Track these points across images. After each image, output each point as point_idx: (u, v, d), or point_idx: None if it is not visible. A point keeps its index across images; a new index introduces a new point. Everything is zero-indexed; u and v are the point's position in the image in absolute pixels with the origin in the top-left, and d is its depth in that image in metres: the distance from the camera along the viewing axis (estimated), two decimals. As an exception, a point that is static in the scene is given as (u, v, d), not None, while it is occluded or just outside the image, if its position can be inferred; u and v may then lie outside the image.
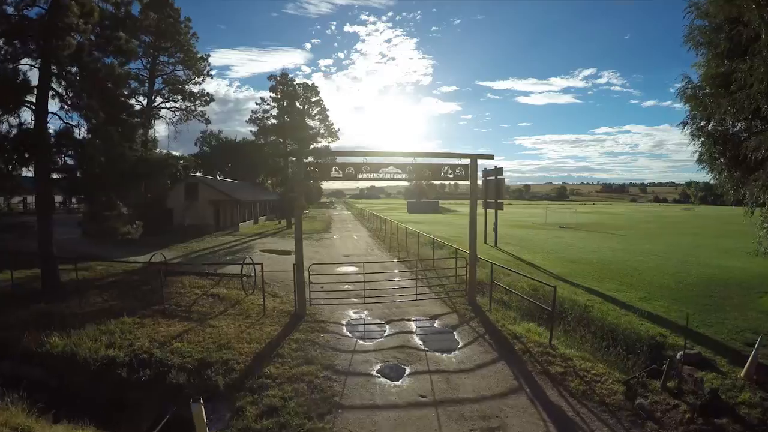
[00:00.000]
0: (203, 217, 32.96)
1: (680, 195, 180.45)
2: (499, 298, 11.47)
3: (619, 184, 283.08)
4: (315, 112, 45.77)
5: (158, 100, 28.00)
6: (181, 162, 31.94)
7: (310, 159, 10.10)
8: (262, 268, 10.52)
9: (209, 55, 27.69)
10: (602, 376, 7.14)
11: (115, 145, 12.06)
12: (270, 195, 46.75)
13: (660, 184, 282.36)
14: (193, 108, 27.61)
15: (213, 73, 28.94)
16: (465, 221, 44.54)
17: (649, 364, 8.67)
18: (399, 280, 13.15)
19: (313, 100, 45.44)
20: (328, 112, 46.21)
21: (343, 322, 9.37)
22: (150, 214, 35.14)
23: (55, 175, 13.46)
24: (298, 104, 41.49)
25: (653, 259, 18.16)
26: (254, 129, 35.73)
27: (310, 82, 45.15)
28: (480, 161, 10.35)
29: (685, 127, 17.68)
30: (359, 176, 9.21)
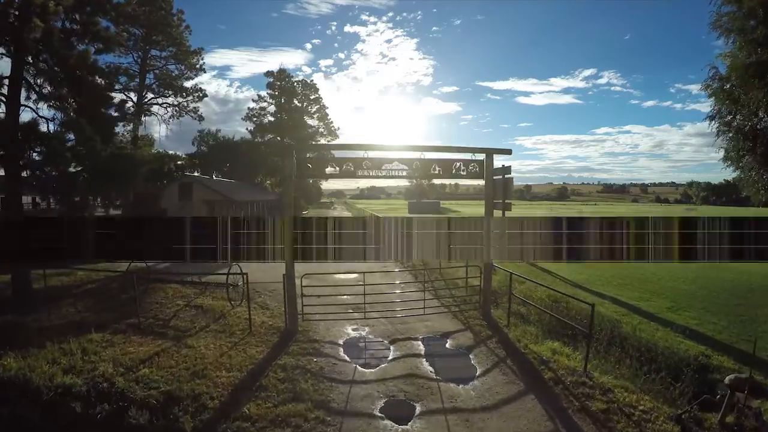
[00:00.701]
0: (197, 218, 31.78)
1: (681, 195, 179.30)
2: (515, 310, 10.23)
3: (620, 185, 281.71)
4: (314, 110, 44.61)
5: (150, 96, 26.74)
6: (178, 161, 30.69)
7: (306, 155, 8.84)
8: (247, 278, 9.26)
9: (202, 49, 26.47)
10: (651, 413, 5.90)
11: (87, 139, 10.80)
12: (269, 195, 45.50)
13: (661, 185, 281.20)
14: (185, 104, 26.35)
15: (206, 68, 27.76)
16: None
17: (696, 391, 7.47)
18: (403, 290, 11.90)
19: (312, 97, 44.29)
20: (327, 110, 45.06)
21: (341, 342, 8.10)
22: (143, 215, 33.99)
23: (26, 173, 12.26)
24: (296, 102, 40.31)
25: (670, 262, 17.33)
26: (251, 127, 34.42)
27: (309, 80, 43.86)
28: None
29: (712, 122, 16.39)
30: (359, 173, 7.97)
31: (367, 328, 8.73)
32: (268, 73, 35.01)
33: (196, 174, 37.91)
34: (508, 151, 9.14)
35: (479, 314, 9.57)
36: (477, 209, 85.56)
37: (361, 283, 9.73)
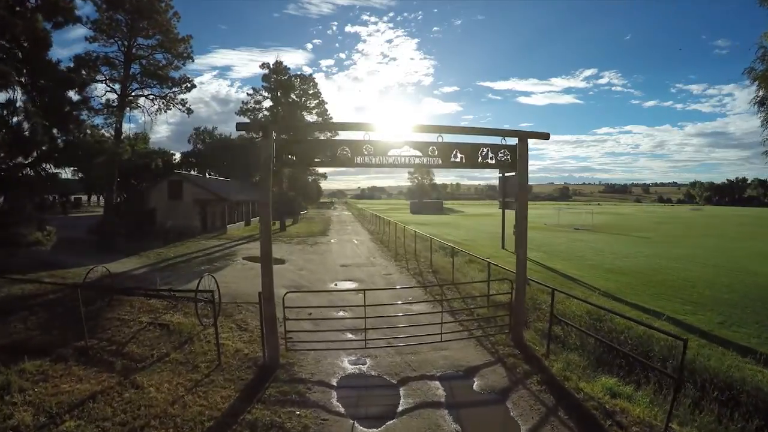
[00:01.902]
0: (188, 218, 29.82)
1: (684, 195, 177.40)
2: (543, 327, 8.32)
3: (621, 185, 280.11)
4: (313, 105, 42.52)
5: (135, 87, 24.77)
6: (166, 158, 28.74)
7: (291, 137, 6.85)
8: (219, 294, 7.33)
9: (191, 36, 24.48)
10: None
11: (35, 125, 8.90)
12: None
13: (662, 185, 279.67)
14: (172, 95, 24.38)
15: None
16: (474, 222, 41.22)
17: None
18: (411, 303, 9.97)
19: (310, 92, 42.21)
20: (326, 106, 43.05)
21: (334, 382, 6.16)
22: (130, 215, 32.07)
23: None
24: (294, 96, 38.33)
25: (695, 266, 15.91)
26: (245, 122, 32.43)
27: (307, 74, 41.81)
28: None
29: (762, 108, 14.55)
30: (358, 160, 6.05)
31: (368, 361, 6.78)
32: (264, 65, 33.00)
33: (186, 172, 36.01)
34: (546, 135, 7.21)
35: (509, 339, 7.63)
36: (480, 209, 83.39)
37: (360, 290, 7.82)
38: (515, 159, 7.03)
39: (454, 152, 6.49)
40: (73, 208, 69.40)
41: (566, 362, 6.96)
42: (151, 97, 24.81)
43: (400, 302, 10.01)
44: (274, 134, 6.10)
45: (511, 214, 21.05)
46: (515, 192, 19.93)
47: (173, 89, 24.38)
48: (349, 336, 7.77)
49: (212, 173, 52.93)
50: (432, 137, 6.43)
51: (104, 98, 24.13)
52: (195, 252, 20.71)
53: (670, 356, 7.70)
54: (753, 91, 14.65)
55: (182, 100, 24.85)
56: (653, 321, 9.61)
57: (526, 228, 7.18)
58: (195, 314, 8.97)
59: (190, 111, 25.11)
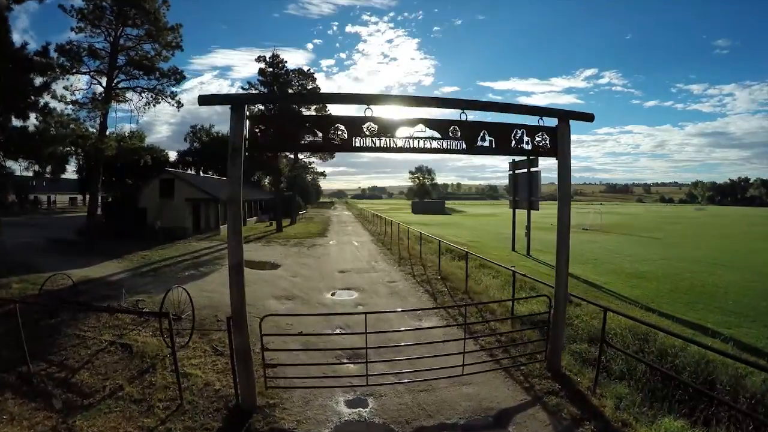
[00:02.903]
0: (180, 218, 28.34)
1: (687, 195, 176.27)
2: (579, 349, 6.88)
3: (622, 184, 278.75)
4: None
5: (121, 78, 23.32)
6: (155, 155, 27.27)
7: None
8: (193, 310, 5.88)
9: (180, 25, 23.01)
10: None
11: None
12: (264, 194, 42.13)
13: (663, 184, 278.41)
14: (161, 88, 22.91)
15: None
16: (477, 222, 39.63)
17: None
18: (421, 320, 8.52)
19: (309, 87, 40.78)
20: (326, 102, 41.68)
21: (326, 435, 4.69)
22: (120, 215, 30.62)
23: None
24: (291, 91, 36.88)
25: (719, 269, 14.79)
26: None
27: (305, 68, 40.35)
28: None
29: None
30: (357, 142, 4.59)
31: (371, 402, 5.30)
32: (260, 59, 31.43)
33: (179, 170, 34.57)
34: (590, 117, 5.75)
35: (544, 368, 6.15)
36: (482, 209, 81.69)
37: (360, 302, 6.36)
38: (554, 143, 5.56)
39: (481, 134, 5.01)
40: (70, 206, 67.97)
41: (614, 397, 5.52)
42: (139, 89, 23.36)
43: (408, 316, 8.56)
44: (247, 112, 4.64)
45: (522, 213, 19.59)
46: (527, 190, 18.56)
47: (162, 81, 22.91)
48: (347, 366, 6.30)
49: (210, 173, 51.43)
50: (454, 113, 4.97)
51: (89, 91, 22.84)
52: (182, 255, 19.25)
53: (738, 385, 6.26)
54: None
55: (172, 93, 23.40)
56: (703, 338, 8.18)
57: (568, 230, 5.71)
58: (161, 335, 7.51)
59: (179, 105, 23.62)
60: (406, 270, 14.71)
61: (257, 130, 4.55)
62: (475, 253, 17.08)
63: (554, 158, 5.54)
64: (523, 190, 19.15)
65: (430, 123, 4.87)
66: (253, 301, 10.53)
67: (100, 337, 8.27)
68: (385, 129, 4.78)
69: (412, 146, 4.80)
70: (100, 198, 26.90)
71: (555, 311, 5.91)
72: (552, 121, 5.65)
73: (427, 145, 4.84)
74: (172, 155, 56.00)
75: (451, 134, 4.88)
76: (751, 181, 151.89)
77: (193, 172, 41.12)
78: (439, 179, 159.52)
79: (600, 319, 7.98)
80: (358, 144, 4.62)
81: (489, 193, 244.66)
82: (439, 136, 4.88)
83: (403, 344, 6.53)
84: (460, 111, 4.95)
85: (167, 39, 22.29)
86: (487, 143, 5.08)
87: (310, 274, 14.42)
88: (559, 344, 6.04)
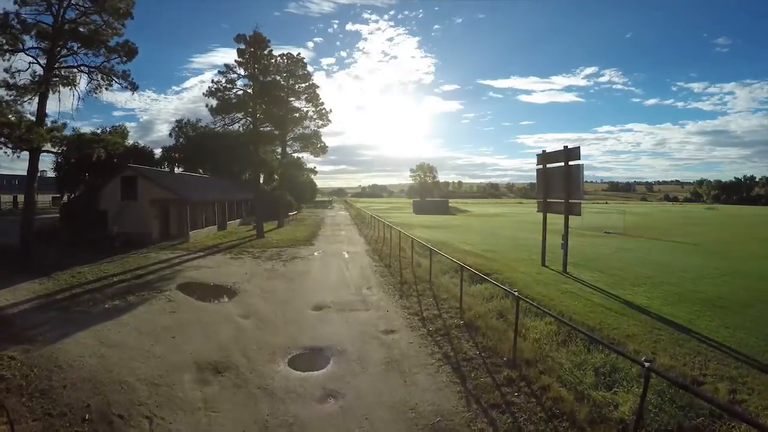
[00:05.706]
0: (142, 223, 24.23)
1: (691, 193, 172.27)
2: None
3: (624, 183, 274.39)
4: (302, 88, 36.90)
5: (65, 55, 19.11)
6: (113, 148, 23.04)
7: None
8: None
9: (134, -9, 18.83)
10: None
11: None
12: (244, 194, 37.93)
13: (664, 183, 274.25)
14: (110, 67, 18.72)
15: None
16: (486, 224, 34.60)
17: None
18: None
19: (299, 73, 36.61)
20: (318, 90, 37.50)
21: None
22: (77, 219, 26.52)
23: None
24: (279, 78, 32.71)
25: None
26: (214, 104, 26.65)
27: (295, 53, 36.15)
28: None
29: None
30: None
31: None
32: (239, 38, 27.13)
33: (141, 166, 30.37)
34: None
35: None
36: (487, 208, 77.38)
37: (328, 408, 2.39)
38: None
39: None
40: (52, 206, 63.41)
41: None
42: (85, 69, 19.16)
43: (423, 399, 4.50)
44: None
45: (555, 218, 15.58)
46: (562, 188, 14.38)
47: (111, 57, 18.73)
48: None
49: (201, 171, 47.20)
50: None
51: (28, 72, 18.62)
52: (126, 272, 15.16)
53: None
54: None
55: (124, 72, 19.21)
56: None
57: None
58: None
59: (134, 86, 19.44)
60: (412, 306, 10.53)
61: None
62: (501, 270, 13.11)
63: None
64: (554, 189, 15.03)
65: None
66: (160, 375, 6.43)
67: None
68: None
69: None
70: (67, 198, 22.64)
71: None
72: None
73: None
74: (157, 151, 51.83)
75: None
76: (757, 180, 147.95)
77: (167, 169, 36.90)
78: (441, 177, 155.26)
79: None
80: None
81: (490, 192, 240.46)
82: None
83: None
84: None
85: (115, 5, 18.09)
86: None
87: (272, 312, 10.24)
88: None
